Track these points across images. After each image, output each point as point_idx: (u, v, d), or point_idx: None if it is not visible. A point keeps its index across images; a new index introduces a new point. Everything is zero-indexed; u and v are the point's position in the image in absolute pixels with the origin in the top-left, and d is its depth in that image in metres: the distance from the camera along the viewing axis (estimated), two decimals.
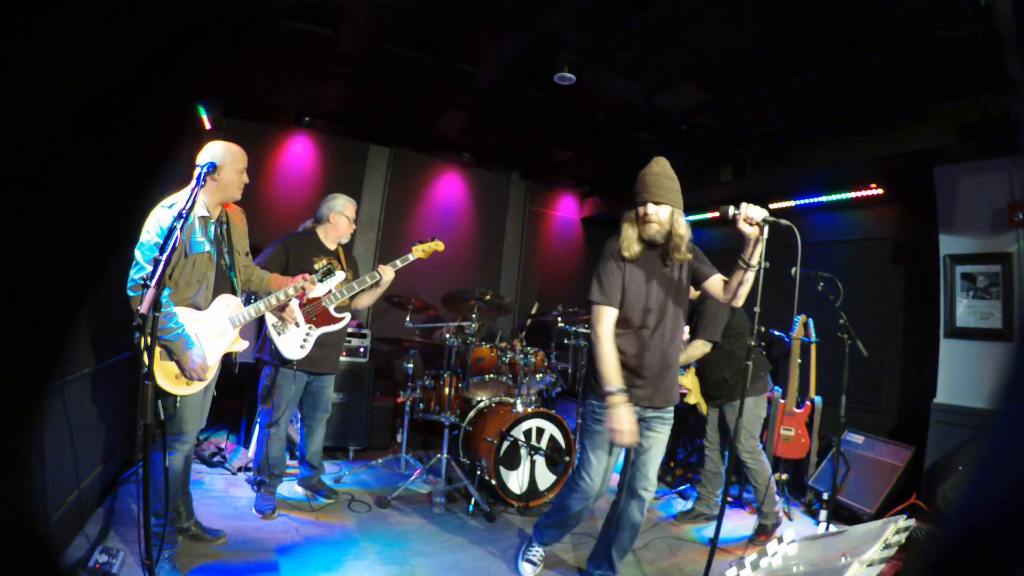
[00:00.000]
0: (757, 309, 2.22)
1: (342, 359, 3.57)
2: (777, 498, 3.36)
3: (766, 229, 2.11)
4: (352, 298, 3.20)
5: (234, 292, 2.49)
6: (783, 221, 2.14)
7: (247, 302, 2.59)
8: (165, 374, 2.22)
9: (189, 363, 2.22)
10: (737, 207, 2.14)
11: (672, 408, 2.45)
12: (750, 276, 2.19)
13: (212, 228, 2.40)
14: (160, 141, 0.46)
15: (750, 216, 2.09)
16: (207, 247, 2.34)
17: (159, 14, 0.38)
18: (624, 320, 2.37)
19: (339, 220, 3.22)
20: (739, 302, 2.27)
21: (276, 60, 3.78)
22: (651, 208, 2.30)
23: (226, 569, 2.40)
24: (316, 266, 2.86)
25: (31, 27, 0.34)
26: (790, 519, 3.65)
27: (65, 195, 0.40)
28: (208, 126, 4.01)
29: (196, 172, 2.15)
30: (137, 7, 0.38)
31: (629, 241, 2.35)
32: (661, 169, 2.38)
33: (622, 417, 2.20)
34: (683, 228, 2.32)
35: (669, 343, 2.37)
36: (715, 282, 2.36)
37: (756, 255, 2.13)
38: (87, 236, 0.43)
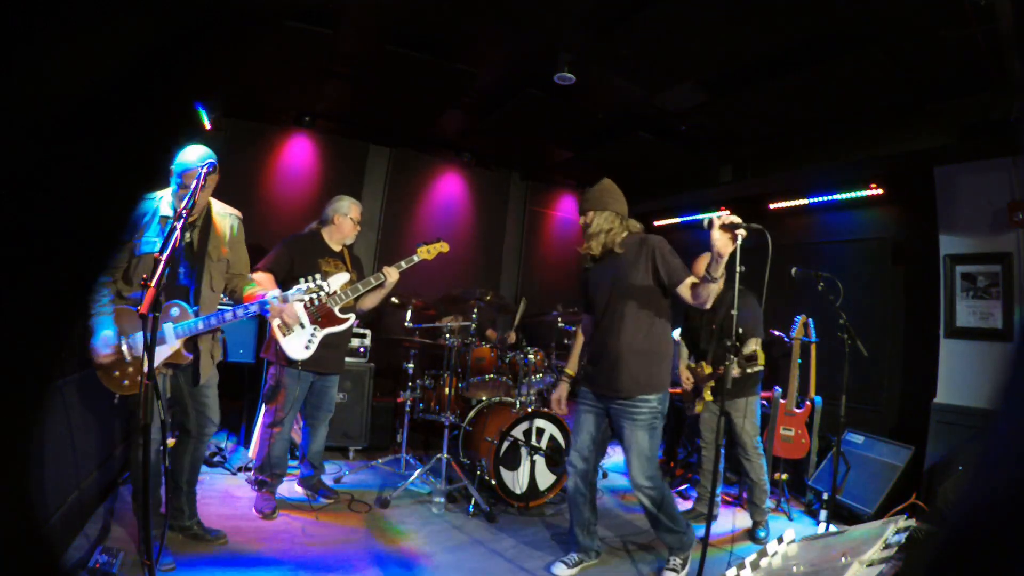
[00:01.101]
0: (735, 311, 2.33)
1: None
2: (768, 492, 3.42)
3: (739, 237, 2.21)
4: (357, 299, 3.22)
5: (190, 300, 2.35)
6: (755, 225, 2.25)
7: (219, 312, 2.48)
8: (101, 369, 2.20)
9: (96, 348, 2.18)
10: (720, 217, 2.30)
11: (638, 402, 2.51)
12: (713, 287, 2.32)
13: (174, 230, 2.34)
14: (160, 142, 0.46)
15: (725, 222, 2.15)
16: (155, 248, 2.22)
17: (159, 15, 0.38)
18: (591, 318, 2.75)
19: (343, 222, 3.24)
20: (708, 305, 2.42)
21: (276, 60, 3.78)
22: (581, 221, 2.72)
23: (226, 568, 2.40)
24: (303, 283, 2.71)
25: (31, 27, 0.34)
26: (790, 519, 3.66)
27: (65, 195, 0.40)
28: (208, 126, 4.01)
29: (197, 172, 2.12)
30: (137, 8, 0.38)
31: (584, 253, 2.75)
32: (596, 186, 2.76)
33: (557, 388, 2.91)
34: (599, 223, 2.62)
35: (609, 332, 2.58)
36: (685, 288, 2.48)
37: (719, 269, 2.27)
38: (87, 236, 0.43)
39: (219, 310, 2.41)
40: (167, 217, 2.32)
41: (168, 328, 2.27)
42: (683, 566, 2.69)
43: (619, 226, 2.63)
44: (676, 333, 3.65)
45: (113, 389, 2.22)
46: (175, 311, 2.29)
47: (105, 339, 2.18)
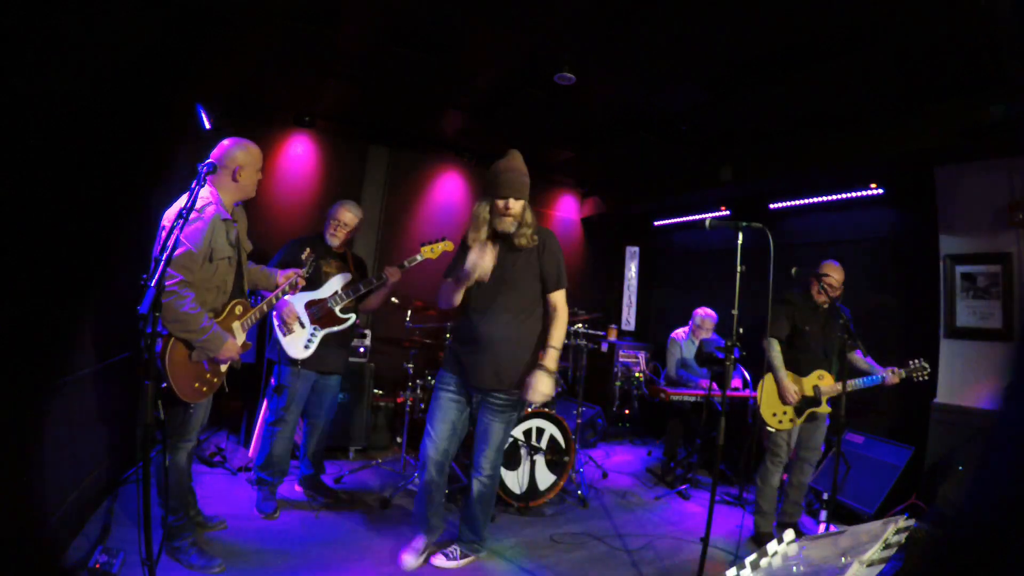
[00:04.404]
0: (735, 311, 2.35)
1: None
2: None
3: (740, 234, 2.31)
4: (359, 300, 3.23)
5: (243, 294, 2.52)
6: (755, 224, 2.34)
7: (253, 303, 2.60)
8: (184, 383, 2.20)
9: (228, 354, 2.28)
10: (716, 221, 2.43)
11: (502, 396, 2.53)
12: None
13: (233, 232, 2.40)
14: (161, 143, 0.46)
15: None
16: (230, 252, 2.35)
17: (160, 17, 0.38)
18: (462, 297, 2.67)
19: (328, 221, 3.28)
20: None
21: (276, 60, 3.78)
22: (501, 204, 2.50)
23: (226, 568, 2.40)
24: (303, 256, 2.88)
25: (32, 29, 0.34)
26: None
27: (67, 197, 0.40)
28: (208, 126, 4.01)
29: (204, 170, 2.10)
30: (137, 9, 0.38)
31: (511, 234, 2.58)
32: (519, 168, 2.57)
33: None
34: (527, 217, 2.56)
35: (486, 322, 2.53)
36: (555, 298, 2.58)
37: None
38: (88, 237, 0.43)
39: (258, 294, 2.68)
40: (227, 220, 2.36)
41: (236, 326, 2.41)
42: (461, 557, 2.69)
43: (532, 218, 2.57)
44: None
45: (186, 397, 2.23)
46: (239, 309, 2.44)
47: (235, 345, 2.34)
